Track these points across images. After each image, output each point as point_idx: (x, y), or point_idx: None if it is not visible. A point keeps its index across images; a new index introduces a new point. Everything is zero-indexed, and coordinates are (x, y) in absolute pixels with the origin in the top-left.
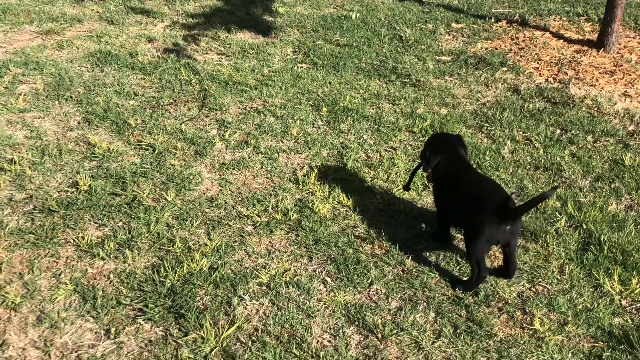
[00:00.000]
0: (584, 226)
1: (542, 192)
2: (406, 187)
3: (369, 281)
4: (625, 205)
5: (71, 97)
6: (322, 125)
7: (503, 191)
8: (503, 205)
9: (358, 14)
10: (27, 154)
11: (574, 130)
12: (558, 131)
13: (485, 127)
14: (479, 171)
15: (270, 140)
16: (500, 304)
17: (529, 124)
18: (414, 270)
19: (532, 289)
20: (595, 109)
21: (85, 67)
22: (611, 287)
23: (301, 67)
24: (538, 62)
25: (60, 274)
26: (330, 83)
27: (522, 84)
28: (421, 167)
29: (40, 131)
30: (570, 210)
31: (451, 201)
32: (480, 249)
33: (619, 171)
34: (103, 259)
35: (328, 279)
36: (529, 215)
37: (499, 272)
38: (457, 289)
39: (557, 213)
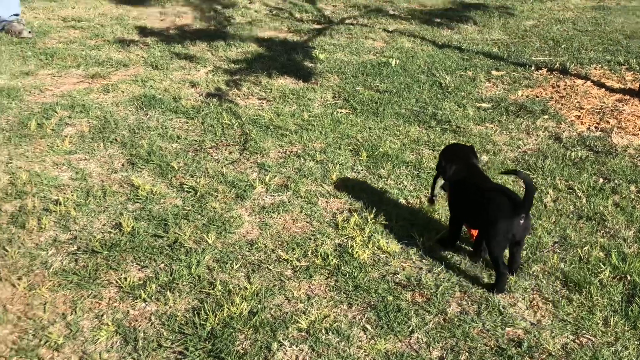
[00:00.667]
0: (629, 277)
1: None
2: (431, 200)
3: (409, 329)
4: None
5: (116, 139)
6: (362, 170)
7: (513, 192)
8: (514, 199)
9: (397, 61)
10: (72, 195)
11: (617, 180)
12: (601, 180)
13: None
14: None
15: (309, 184)
16: (544, 356)
17: (571, 173)
18: (455, 319)
19: (576, 340)
20: (638, 158)
21: (129, 111)
22: None
23: (341, 112)
24: (579, 111)
25: (102, 315)
26: (369, 128)
27: (563, 132)
28: (439, 177)
29: (85, 173)
30: (614, 261)
31: (467, 205)
32: (500, 245)
33: None
34: (145, 300)
35: (368, 326)
36: (572, 265)
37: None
38: (492, 292)
39: (600, 264)
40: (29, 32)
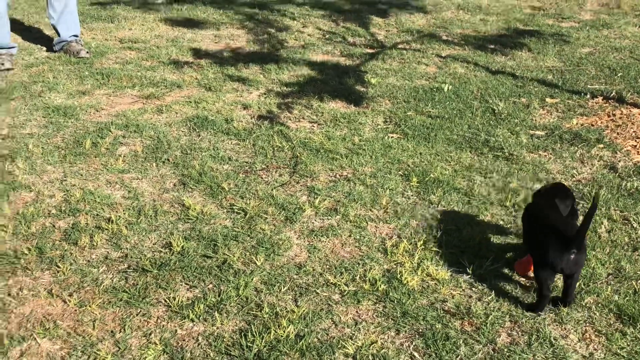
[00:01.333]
0: None
1: (591, 204)
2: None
3: (458, 358)
4: None
5: (168, 159)
6: (412, 195)
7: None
8: (564, 233)
9: (450, 87)
10: (124, 213)
11: None
12: None
13: (581, 205)
14: None
15: (359, 209)
16: None
17: (627, 203)
18: (505, 349)
19: None
20: None
21: (182, 131)
22: None
23: (392, 137)
24: (636, 140)
25: (150, 334)
26: (420, 154)
27: (619, 161)
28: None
29: (138, 192)
30: None
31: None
32: (543, 276)
33: None
34: (192, 320)
35: (416, 354)
36: (627, 298)
37: (556, 301)
38: (531, 311)
39: None
40: (87, 52)
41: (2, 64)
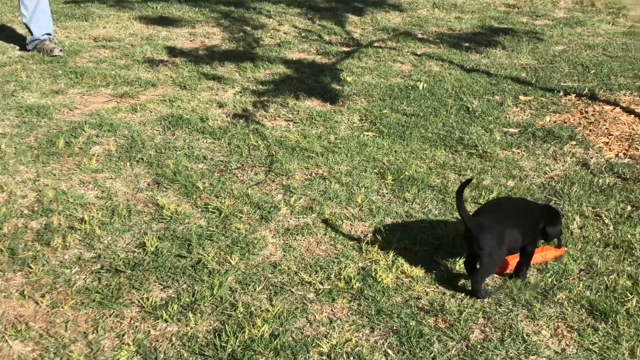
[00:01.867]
0: None
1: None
2: None
3: (432, 355)
4: None
5: (142, 159)
6: (387, 193)
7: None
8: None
9: (425, 85)
10: (98, 213)
11: None
12: (629, 208)
13: (553, 201)
14: None
15: (334, 207)
16: None
17: (599, 200)
18: (478, 346)
19: None
20: None
21: (157, 130)
22: None
23: (367, 135)
24: (608, 137)
25: (123, 335)
26: (396, 152)
27: (591, 158)
28: None
29: (111, 192)
30: None
31: None
32: None
33: None
34: (166, 320)
35: (390, 352)
36: (598, 294)
37: None
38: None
39: (627, 292)
40: (61, 50)
41: None
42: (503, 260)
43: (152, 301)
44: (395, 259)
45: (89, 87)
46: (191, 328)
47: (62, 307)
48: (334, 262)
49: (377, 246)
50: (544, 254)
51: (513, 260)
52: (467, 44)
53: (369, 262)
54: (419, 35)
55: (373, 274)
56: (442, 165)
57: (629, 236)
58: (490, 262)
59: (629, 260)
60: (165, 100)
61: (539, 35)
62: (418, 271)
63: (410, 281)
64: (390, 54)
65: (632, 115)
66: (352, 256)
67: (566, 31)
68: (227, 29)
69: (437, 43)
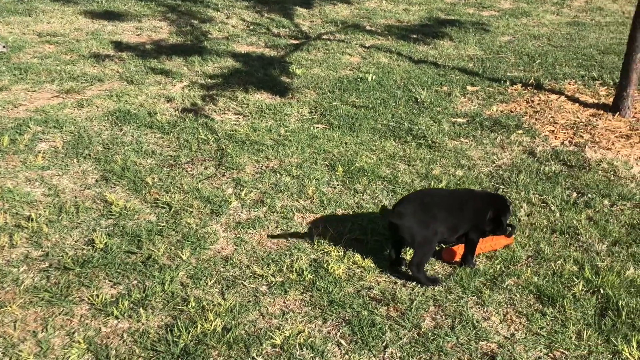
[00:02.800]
0: (602, 291)
1: None
2: None
3: (384, 344)
4: None
5: (90, 155)
6: (338, 185)
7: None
8: None
9: (374, 76)
10: (45, 211)
11: (590, 194)
12: (574, 194)
13: (501, 190)
14: None
15: (285, 200)
16: None
17: (545, 187)
18: (429, 333)
19: (550, 354)
20: (612, 172)
21: (104, 126)
22: (630, 354)
23: (317, 127)
24: (553, 125)
25: (74, 333)
26: (346, 143)
27: (537, 146)
28: None
29: (58, 189)
30: (588, 274)
31: None
32: None
33: (636, 235)
34: (117, 317)
35: (342, 342)
36: (546, 279)
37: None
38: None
39: (574, 277)
40: (4, 46)
41: None
42: (434, 246)
43: (102, 298)
44: (347, 250)
45: (34, 83)
46: (142, 324)
47: (10, 307)
48: (285, 254)
49: (328, 238)
50: (493, 242)
51: (460, 249)
52: (415, 36)
53: (321, 253)
54: (367, 28)
55: (325, 265)
56: (391, 156)
57: (574, 222)
58: (421, 248)
59: (575, 245)
60: (112, 96)
61: (485, 26)
62: (369, 261)
63: (361, 271)
64: (339, 47)
65: (577, 104)
66: (303, 248)
67: (512, 22)
68: (174, 22)
69: (386, 35)
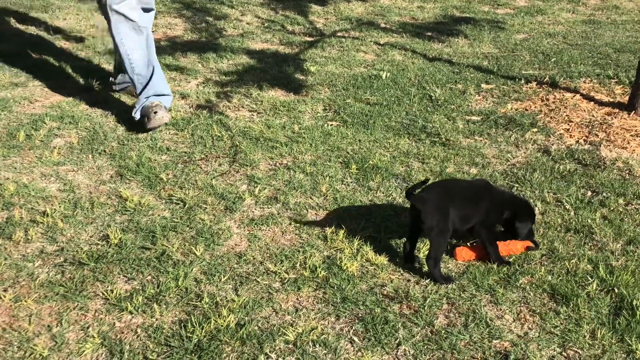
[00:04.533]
0: (616, 290)
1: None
2: None
3: (397, 342)
4: None
5: (105, 151)
6: (352, 182)
7: None
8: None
9: (388, 74)
10: (60, 206)
11: (605, 193)
12: (589, 193)
13: (515, 188)
14: None
15: (299, 197)
16: None
17: (560, 186)
18: (442, 331)
19: (563, 353)
20: (627, 171)
21: (119, 122)
22: None
23: (331, 124)
24: (568, 124)
25: (88, 327)
26: (359, 141)
27: (552, 145)
28: None
29: (74, 184)
30: (602, 273)
31: None
32: None
33: None
34: (131, 312)
35: (355, 339)
36: (560, 278)
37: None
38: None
39: (588, 276)
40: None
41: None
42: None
43: (116, 293)
44: (360, 247)
45: (50, 79)
46: (156, 319)
47: (26, 301)
48: (299, 251)
49: (341, 235)
50: (510, 246)
51: (461, 250)
52: (429, 33)
53: (334, 250)
54: (382, 25)
55: (338, 262)
56: (405, 154)
57: (589, 221)
58: (437, 238)
59: (589, 244)
60: (127, 92)
61: (500, 24)
62: (382, 259)
63: (375, 269)
64: (353, 44)
65: (592, 102)
66: (317, 245)
67: (527, 20)
68: (189, 19)
69: (400, 32)
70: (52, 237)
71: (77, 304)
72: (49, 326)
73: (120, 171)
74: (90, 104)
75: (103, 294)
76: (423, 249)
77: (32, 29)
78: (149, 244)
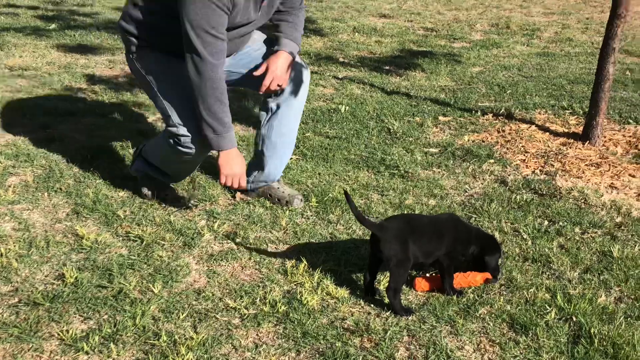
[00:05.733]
0: (574, 319)
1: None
2: None
3: None
4: (615, 297)
5: (61, 189)
6: (311, 215)
7: None
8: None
9: (347, 107)
10: (14, 246)
11: (561, 222)
12: (546, 222)
13: (473, 219)
14: None
15: (259, 231)
16: None
17: (517, 216)
18: None
19: None
20: (583, 200)
21: (75, 160)
22: None
23: (291, 158)
24: (524, 155)
25: None
26: (319, 174)
27: (509, 175)
28: None
29: (29, 223)
30: (560, 302)
31: None
32: None
33: (608, 263)
34: (87, 353)
35: None
36: (519, 307)
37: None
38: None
39: (546, 305)
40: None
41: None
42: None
43: (72, 333)
44: (321, 280)
45: (5, 117)
46: (113, 359)
47: None
48: (259, 286)
49: (302, 269)
50: (470, 278)
51: (420, 280)
52: (387, 67)
53: (294, 284)
54: (340, 59)
55: (298, 296)
56: (365, 186)
57: (546, 250)
58: (397, 269)
59: (547, 273)
60: (84, 129)
61: (456, 57)
62: (343, 292)
63: (335, 302)
64: (312, 78)
65: (547, 133)
66: (277, 280)
67: (483, 53)
68: None
69: (358, 67)
70: (7, 277)
71: (32, 345)
72: None
73: (76, 209)
74: (47, 141)
75: (58, 334)
76: (383, 280)
77: None
78: (106, 283)
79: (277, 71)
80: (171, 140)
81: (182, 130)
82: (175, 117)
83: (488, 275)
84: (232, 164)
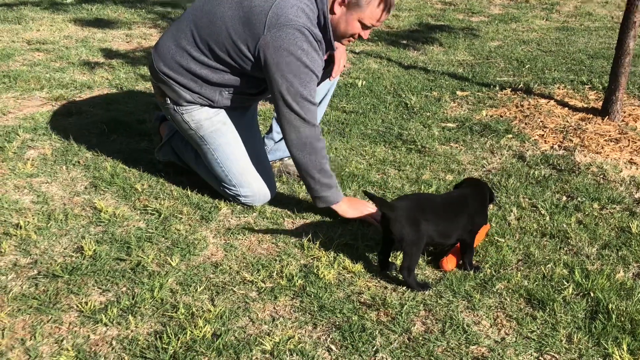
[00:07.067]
0: (592, 294)
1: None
2: None
3: (374, 349)
4: (633, 273)
5: (79, 162)
6: None
7: None
8: None
9: (364, 82)
10: (33, 218)
11: (580, 198)
12: (564, 198)
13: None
14: None
15: (275, 206)
16: None
17: (535, 191)
18: (420, 338)
19: (540, 357)
20: (601, 176)
21: (93, 133)
22: (620, 357)
23: None
24: (543, 130)
25: (62, 340)
26: (336, 149)
27: (527, 151)
28: None
29: (47, 196)
30: (578, 278)
31: None
32: None
33: (626, 239)
34: (106, 325)
35: (333, 347)
36: (536, 283)
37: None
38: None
39: (564, 281)
40: None
41: None
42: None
43: (91, 305)
44: (337, 255)
45: (23, 90)
46: (132, 331)
47: None
48: (275, 260)
49: (318, 243)
50: (477, 236)
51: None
52: (404, 42)
53: (311, 259)
54: None
55: (315, 270)
56: (382, 161)
57: (564, 226)
58: (410, 249)
59: (564, 249)
60: (101, 103)
61: (475, 32)
62: (359, 266)
63: (352, 276)
64: None
65: (566, 108)
66: (294, 253)
67: (501, 27)
68: (164, 30)
69: (375, 41)
70: (26, 249)
71: (51, 317)
72: (22, 340)
73: (94, 182)
74: (64, 115)
75: (77, 306)
76: (400, 255)
77: (5, 40)
78: (124, 255)
79: (340, 49)
80: (227, 191)
81: (245, 191)
82: (233, 178)
83: (488, 226)
84: (356, 205)
